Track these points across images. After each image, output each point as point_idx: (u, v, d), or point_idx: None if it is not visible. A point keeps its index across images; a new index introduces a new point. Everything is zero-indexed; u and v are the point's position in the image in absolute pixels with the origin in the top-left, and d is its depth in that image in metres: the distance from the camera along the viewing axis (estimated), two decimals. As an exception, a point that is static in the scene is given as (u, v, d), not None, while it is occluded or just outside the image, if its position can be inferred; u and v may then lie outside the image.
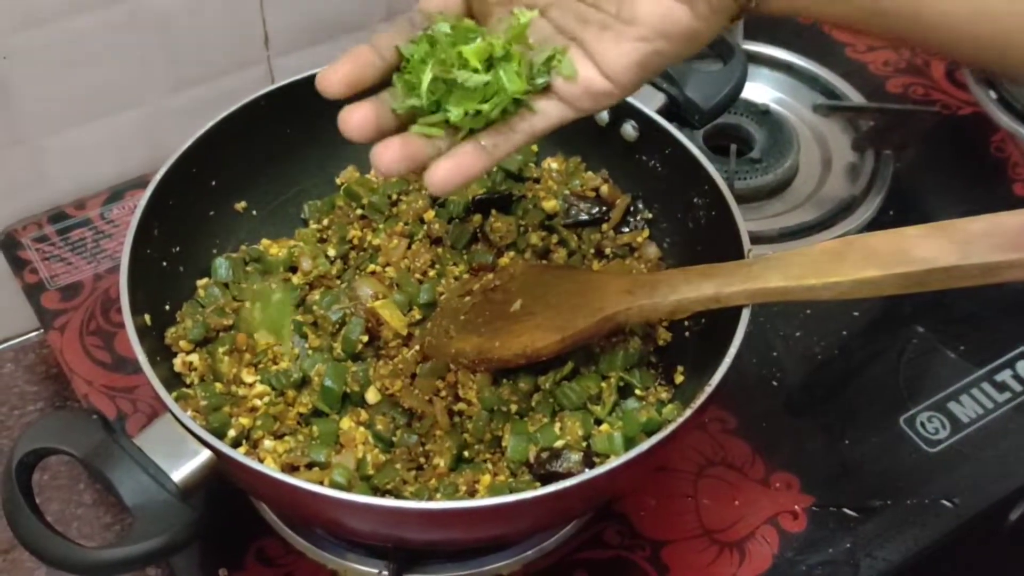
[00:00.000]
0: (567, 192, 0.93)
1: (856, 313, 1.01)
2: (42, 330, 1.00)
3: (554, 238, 0.92)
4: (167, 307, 0.84)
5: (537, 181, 0.95)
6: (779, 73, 1.22)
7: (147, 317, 0.80)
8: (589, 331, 0.78)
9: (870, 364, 0.97)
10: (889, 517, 0.87)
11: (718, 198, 0.84)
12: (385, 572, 0.83)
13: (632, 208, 0.92)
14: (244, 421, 0.79)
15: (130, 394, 0.93)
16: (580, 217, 0.92)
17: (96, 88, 1.02)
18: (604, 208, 0.92)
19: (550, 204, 0.93)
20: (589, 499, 0.77)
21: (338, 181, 0.95)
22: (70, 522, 0.96)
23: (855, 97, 1.19)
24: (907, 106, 1.19)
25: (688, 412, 0.71)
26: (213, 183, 0.89)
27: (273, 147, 0.92)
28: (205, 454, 0.69)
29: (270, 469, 0.69)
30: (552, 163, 0.95)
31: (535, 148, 0.96)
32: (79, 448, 0.68)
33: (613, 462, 0.70)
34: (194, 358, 0.82)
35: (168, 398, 0.71)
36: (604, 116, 0.92)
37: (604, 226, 0.92)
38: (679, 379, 0.84)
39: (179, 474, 0.68)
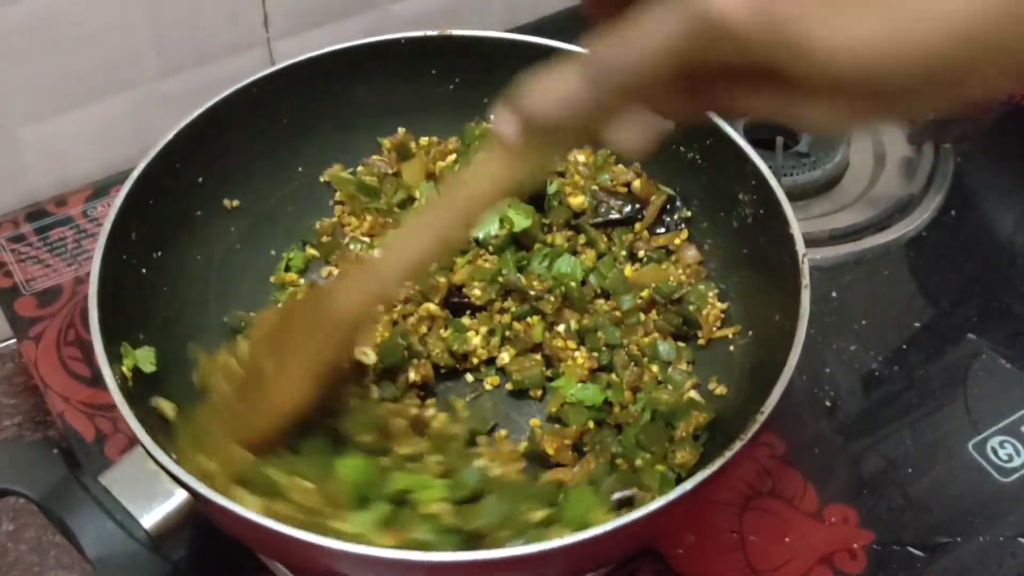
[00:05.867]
0: (596, 187, 0.88)
1: (917, 324, 0.94)
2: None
3: (581, 239, 0.88)
4: (145, 320, 0.78)
5: (563, 175, 0.90)
6: (827, 58, 1.14)
7: (121, 330, 0.73)
8: (338, 347, 0.66)
9: (934, 381, 0.90)
10: (959, 557, 0.80)
11: (767, 194, 0.78)
12: (390, 619, 0.75)
13: (669, 206, 0.88)
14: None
15: (110, 412, 0.86)
16: (611, 215, 0.88)
17: (78, 72, 0.98)
18: (637, 205, 0.88)
19: (577, 201, 0.88)
20: (623, 545, 0.69)
21: (322, 179, 0.92)
22: (47, 551, 0.91)
23: (911, 84, 1.11)
24: (969, 94, 1.11)
25: (738, 444, 0.64)
26: (200, 180, 0.84)
27: (268, 139, 0.87)
28: (181, 495, 0.62)
29: (256, 515, 0.61)
30: (579, 155, 0.91)
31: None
32: (35, 488, 0.62)
33: (651, 504, 0.62)
34: (175, 378, 0.75)
35: (139, 428, 0.64)
36: (638, 103, 0.85)
37: (637, 225, 0.88)
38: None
39: (150, 519, 0.62)
